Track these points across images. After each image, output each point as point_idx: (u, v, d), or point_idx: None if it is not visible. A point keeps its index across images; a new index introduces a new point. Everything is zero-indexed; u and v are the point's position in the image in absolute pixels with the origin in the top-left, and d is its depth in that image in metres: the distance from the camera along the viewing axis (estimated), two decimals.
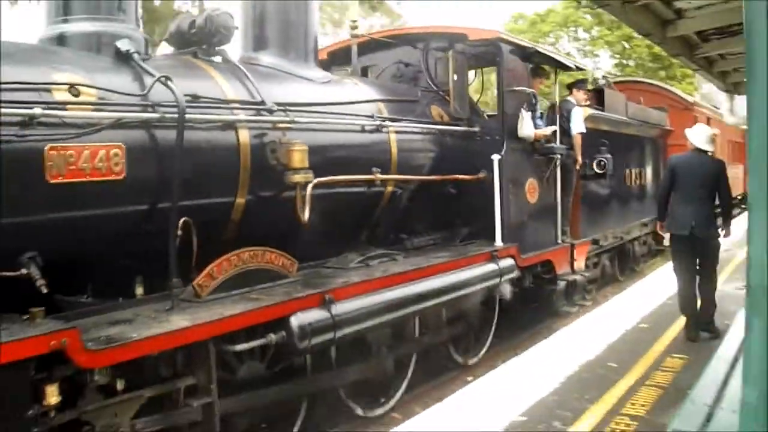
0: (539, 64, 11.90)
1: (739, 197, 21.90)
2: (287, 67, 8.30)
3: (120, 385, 5.23)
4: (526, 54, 11.35)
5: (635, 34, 53.84)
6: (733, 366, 6.32)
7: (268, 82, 7.63)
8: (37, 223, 5.28)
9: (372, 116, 8.82)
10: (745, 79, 9.38)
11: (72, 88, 5.47)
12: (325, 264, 8.26)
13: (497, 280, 9.84)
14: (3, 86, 4.94)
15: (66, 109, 5.33)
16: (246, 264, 6.59)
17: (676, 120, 18.55)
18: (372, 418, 8.43)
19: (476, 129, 10.73)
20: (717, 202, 9.78)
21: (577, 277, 12.57)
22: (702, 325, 9.80)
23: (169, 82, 6.07)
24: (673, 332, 10.27)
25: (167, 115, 6.01)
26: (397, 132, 9.17)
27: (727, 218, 9.95)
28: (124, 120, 5.71)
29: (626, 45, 53.54)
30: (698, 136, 9.74)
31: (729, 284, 13.80)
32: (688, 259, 9.83)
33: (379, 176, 8.61)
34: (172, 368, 5.82)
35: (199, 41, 7.40)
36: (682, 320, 10.54)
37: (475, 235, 10.64)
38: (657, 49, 53.83)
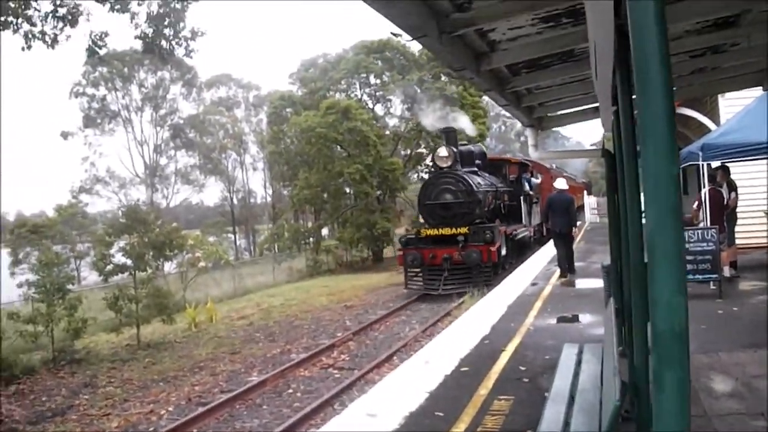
0: (530, 165, 36.72)
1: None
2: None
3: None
4: (526, 165, 36.09)
5: (426, 78, 55.85)
6: (570, 405, 6.01)
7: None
8: None
9: None
10: (552, 113, 9.23)
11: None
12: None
13: (529, 233, 34.52)
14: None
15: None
16: None
17: (545, 175, 41.69)
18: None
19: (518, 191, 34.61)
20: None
21: (535, 236, 36.24)
22: (567, 269, 20.33)
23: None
24: (495, 373, 9.98)
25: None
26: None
27: (574, 223, 21.92)
28: None
29: (418, 89, 54.56)
30: (560, 184, 21.38)
31: (540, 320, 13.88)
32: (559, 241, 20.65)
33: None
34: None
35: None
36: (502, 360, 10.69)
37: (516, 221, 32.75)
38: (449, 91, 55.56)
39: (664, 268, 1.88)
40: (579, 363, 7.41)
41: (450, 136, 29.85)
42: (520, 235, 31.58)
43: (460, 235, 26.26)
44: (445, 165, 27.53)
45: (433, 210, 27.51)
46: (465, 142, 33.80)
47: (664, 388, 1.92)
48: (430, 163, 31.03)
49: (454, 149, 28.15)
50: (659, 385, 1.93)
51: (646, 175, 1.92)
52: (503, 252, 27.40)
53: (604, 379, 5.90)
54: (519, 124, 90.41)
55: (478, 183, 28.00)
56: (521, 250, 31.79)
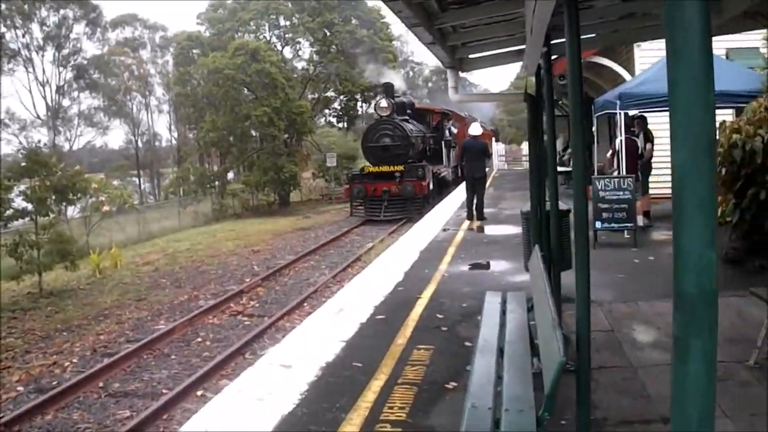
0: (450, 114, 42.23)
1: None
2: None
3: None
4: (447, 114, 41.43)
5: (336, 21, 55.47)
6: (499, 357, 5.79)
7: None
8: None
9: None
10: (474, 55, 8.90)
11: None
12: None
13: (448, 173, 39.49)
14: None
15: None
16: None
17: (460, 122, 43.36)
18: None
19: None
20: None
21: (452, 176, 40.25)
22: (477, 215, 20.68)
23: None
24: (412, 321, 9.76)
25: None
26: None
27: (487, 166, 23.92)
28: None
29: (327, 32, 53.97)
30: (474, 129, 21.71)
31: (454, 266, 13.72)
32: (471, 187, 20.75)
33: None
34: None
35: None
36: (418, 308, 10.50)
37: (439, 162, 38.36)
38: (359, 35, 55.18)
39: (696, 216, 1.58)
40: (504, 312, 7.22)
41: (388, 89, 35.72)
42: (442, 174, 37.53)
43: (397, 172, 32.34)
44: (384, 114, 33.76)
45: (375, 151, 33.71)
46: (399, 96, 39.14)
47: (689, 359, 1.64)
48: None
49: (392, 101, 34.26)
50: (682, 355, 1.64)
51: (675, 107, 1.61)
52: (431, 187, 33.73)
53: (539, 331, 5.68)
54: (427, 71, 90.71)
55: (411, 129, 34.58)
56: (442, 188, 36.69)
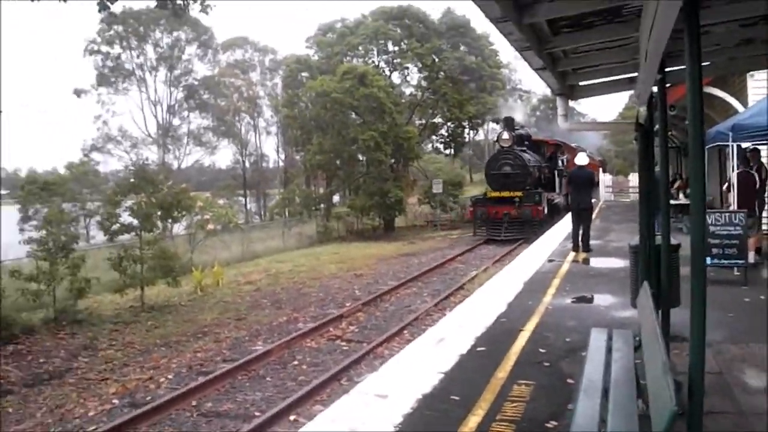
0: (562, 146, 46.84)
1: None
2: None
3: None
4: (559, 145, 46.19)
5: (444, 47, 55.61)
6: (604, 398, 5.46)
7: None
8: None
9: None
10: (584, 82, 8.53)
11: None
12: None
13: (561, 200, 40.50)
14: None
15: None
16: None
17: (570, 153, 44.57)
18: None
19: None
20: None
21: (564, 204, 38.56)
22: (583, 246, 20.10)
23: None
24: (514, 354, 9.44)
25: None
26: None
27: (593, 197, 22.79)
28: None
29: (436, 58, 53.93)
30: (581, 159, 21.19)
31: (559, 299, 13.36)
32: (577, 217, 20.35)
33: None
34: None
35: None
36: (521, 341, 10.18)
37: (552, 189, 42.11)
38: (467, 62, 55.15)
39: None
40: (609, 350, 6.87)
41: (509, 122, 39.66)
42: (555, 201, 40.83)
43: (516, 197, 36.59)
44: (506, 145, 37.98)
45: (497, 178, 37.87)
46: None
47: None
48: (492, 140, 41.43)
49: (513, 133, 38.38)
50: None
51: None
52: (545, 212, 37.22)
53: (647, 374, 5.34)
54: (535, 99, 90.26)
55: (528, 159, 38.68)
56: (554, 213, 39.52)
